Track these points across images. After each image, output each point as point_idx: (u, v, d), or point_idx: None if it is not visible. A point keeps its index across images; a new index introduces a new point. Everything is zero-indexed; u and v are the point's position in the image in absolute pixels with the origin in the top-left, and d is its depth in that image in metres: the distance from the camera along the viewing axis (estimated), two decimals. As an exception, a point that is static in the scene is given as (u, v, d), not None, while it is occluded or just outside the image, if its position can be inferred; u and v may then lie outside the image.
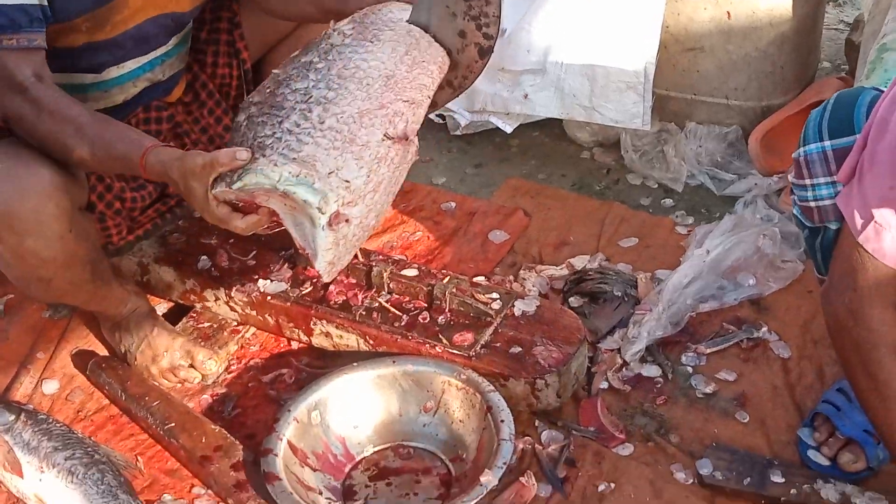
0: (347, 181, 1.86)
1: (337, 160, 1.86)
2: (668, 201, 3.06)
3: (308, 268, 2.54)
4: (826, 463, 2.16)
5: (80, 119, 2.07)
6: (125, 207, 2.44)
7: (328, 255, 1.90)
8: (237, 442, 2.25)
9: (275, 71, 2.06)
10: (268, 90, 2.01)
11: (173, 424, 2.31)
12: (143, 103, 2.46)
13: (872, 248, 1.79)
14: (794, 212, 2.03)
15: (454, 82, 2.08)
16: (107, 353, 2.57)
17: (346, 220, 1.87)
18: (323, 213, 1.85)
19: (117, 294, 2.46)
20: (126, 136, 2.08)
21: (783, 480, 2.13)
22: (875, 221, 1.76)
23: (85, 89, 2.33)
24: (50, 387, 2.51)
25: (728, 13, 3.04)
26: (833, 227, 1.95)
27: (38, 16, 2.07)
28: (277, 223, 2.00)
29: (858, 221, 1.79)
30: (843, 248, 1.86)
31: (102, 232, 2.42)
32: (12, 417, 2.30)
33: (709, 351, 2.49)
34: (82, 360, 2.54)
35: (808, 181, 1.95)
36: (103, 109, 2.34)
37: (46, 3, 2.09)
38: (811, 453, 2.18)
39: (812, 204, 1.96)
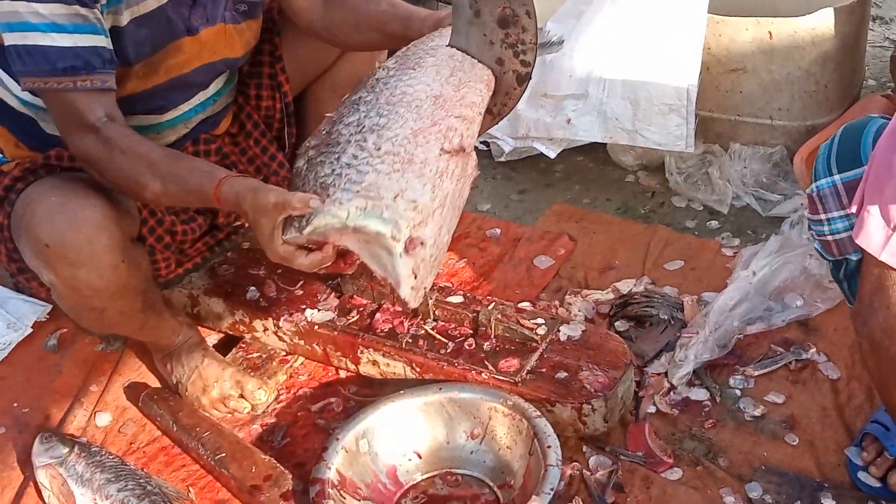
0: (414, 201, 1.86)
1: (399, 182, 1.87)
2: (714, 223, 3.05)
3: (354, 297, 2.56)
4: (877, 484, 2.14)
5: (151, 155, 2.11)
6: (175, 241, 2.47)
7: (410, 281, 1.90)
8: (286, 471, 2.27)
9: (328, 114, 2.08)
10: (323, 132, 2.03)
11: (224, 455, 2.33)
12: (192, 137, 2.50)
13: None
14: (815, 246, 2.03)
15: (493, 109, 2.10)
16: (158, 385, 2.59)
17: (422, 243, 1.87)
18: (398, 241, 1.84)
19: (169, 325, 2.50)
20: (199, 169, 2.11)
21: (834, 503, 2.12)
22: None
23: (141, 131, 2.33)
24: (103, 419, 2.54)
25: (770, 33, 3.04)
26: (854, 258, 1.95)
27: (109, 58, 2.12)
28: (338, 262, 2.01)
29: (878, 240, 1.77)
30: (869, 269, 1.84)
31: (152, 265, 2.45)
32: (66, 450, 2.34)
33: (757, 373, 2.47)
34: (134, 392, 2.57)
35: (822, 216, 1.96)
36: None
37: (112, 48, 2.13)
38: (861, 475, 2.16)
39: (829, 238, 1.97)
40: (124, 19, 2.17)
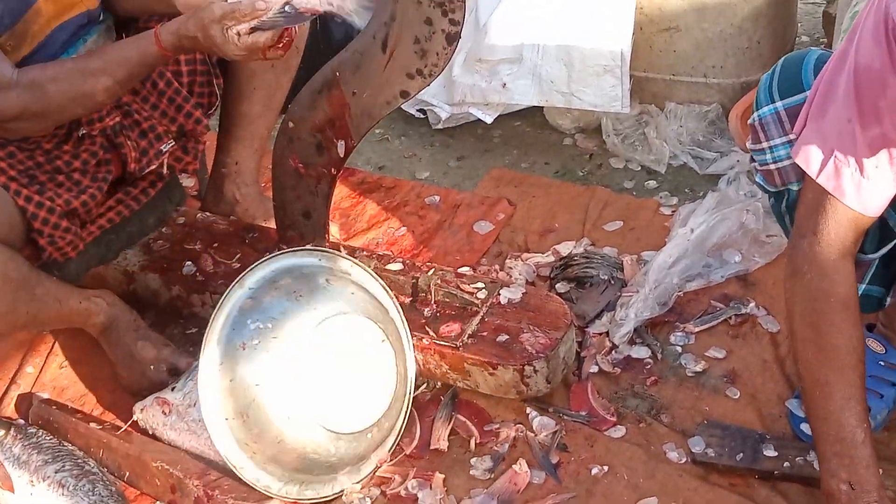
0: None
1: None
2: (652, 183, 3.06)
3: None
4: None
5: (79, 65, 2.23)
6: (76, 220, 2.38)
7: None
8: (184, 476, 2.19)
9: None
10: None
11: (127, 474, 2.28)
12: None
13: (832, 186, 1.77)
14: (757, 179, 2.03)
15: (424, 70, 2.07)
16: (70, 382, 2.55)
17: None
18: None
19: (77, 309, 2.40)
20: (128, 44, 2.25)
21: (776, 454, 2.13)
22: (835, 158, 1.75)
23: None
24: (41, 400, 2.50)
25: (701, -9, 3.04)
26: (795, 188, 1.95)
27: None
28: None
29: (816, 162, 1.77)
30: (805, 193, 1.85)
31: (57, 251, 2.35)
32: (2, 432, 2.30)
33: (697, 329, 2.49)
34: (26, 403, 2.47)
35: (765, 144, 1.95)
36: None
37: None
38: (803, 426, 2.16)
39: (772, 166, 1.96)
40: None
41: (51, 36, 2.31)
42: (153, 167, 2.50)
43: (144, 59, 2.22)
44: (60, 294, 2.37)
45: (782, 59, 1.99)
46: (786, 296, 1.93)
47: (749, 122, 1.99)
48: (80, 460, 2.25)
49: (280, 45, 2.16)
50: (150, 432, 2.28)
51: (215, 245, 2.64)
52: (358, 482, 2.20)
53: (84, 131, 2.38)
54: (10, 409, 2.47)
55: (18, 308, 2.25)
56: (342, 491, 2.18)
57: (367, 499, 2.18)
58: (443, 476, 2.20)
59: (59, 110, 2.20)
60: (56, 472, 2.21)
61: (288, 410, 2.11)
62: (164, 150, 2.50)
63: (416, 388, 2.37)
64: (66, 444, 2.32)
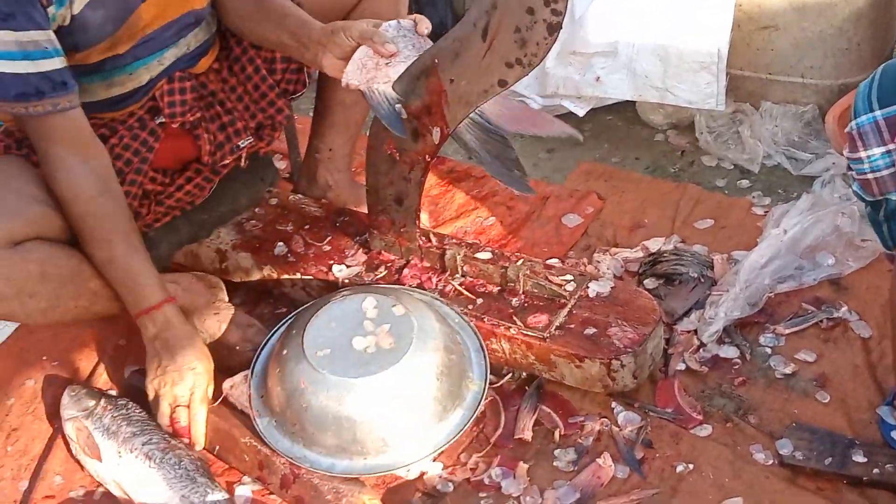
0: None
1: None
2: (745, 182, 3.03)
3: (382, 252, 2.55)
4: (910, 443, 2.12)
5: (113, 222, 2.27)
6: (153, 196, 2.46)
7: None
8: (271, 454, 2.23)
9: None
10: None
11: (217, 447, 2.33)
12: (167, 75, 2.43)
13: None
14: (854, 188, 2.00)
15: (523, 60, 2.07)
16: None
17: None
18: None
19: (148, 293, 2.38)
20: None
21: (865, 460, 2.10)
22: None
23: (111, 73, 2.34)
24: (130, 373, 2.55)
25: (802, -10, 3.00)
26: (894, 197, 1.92)
27: (61, 80, 2.14)
28: None
29: None
30: None
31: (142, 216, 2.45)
32: (93, 403, 2.35)
33: (787, 331, 2.46)
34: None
35: (862, 153, 1.92)
36: (130, 91, 2.37)
37: (68, 65, 2.16)
38: (894, 433, 2.14)
39: (870, 176, 1.92)
40: (77, 7, 2.16)
41: (152, 35, 2.33)
42: (227, 161, 2.53)
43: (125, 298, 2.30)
44: (131, 278, 2.37)
45: (882, 66, 1.95)
46: (892, 310, 1.92)
47: (846, 130, 1.96)
48: (167, 434, 2.29)
49: None
50: (239, 408, 2.31)
51: (307, 227, 2.67)
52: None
53: (163, 121, 2.42)
54: (101, 381, 2.52)
55: (64, 303, 2.29)
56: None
57: (451, 483, 2.19)
58: (527, 465, 2.20)
59: (74, 224, 2.25)
60: (144, 445, 2.25)
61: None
62: (242, 145, 2.54)
63: (502, 377, 2.38)
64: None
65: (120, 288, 2.28)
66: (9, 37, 2.06)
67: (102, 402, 2.35)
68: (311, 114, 2.84)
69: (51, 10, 2.11)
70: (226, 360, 2.47)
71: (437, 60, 2.19)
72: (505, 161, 2.30)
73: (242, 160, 2.58)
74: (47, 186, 2.23)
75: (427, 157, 2.34)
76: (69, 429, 2.32)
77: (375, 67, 2.23)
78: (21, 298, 2.21)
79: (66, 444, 2.35)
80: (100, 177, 2.23)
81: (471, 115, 2.24)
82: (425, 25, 2.25)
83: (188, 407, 2.28)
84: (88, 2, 2.18)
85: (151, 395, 2.31)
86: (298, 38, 2.33)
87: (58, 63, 2.13)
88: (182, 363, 2.28)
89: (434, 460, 2.23)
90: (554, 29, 2.01)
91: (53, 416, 2.43)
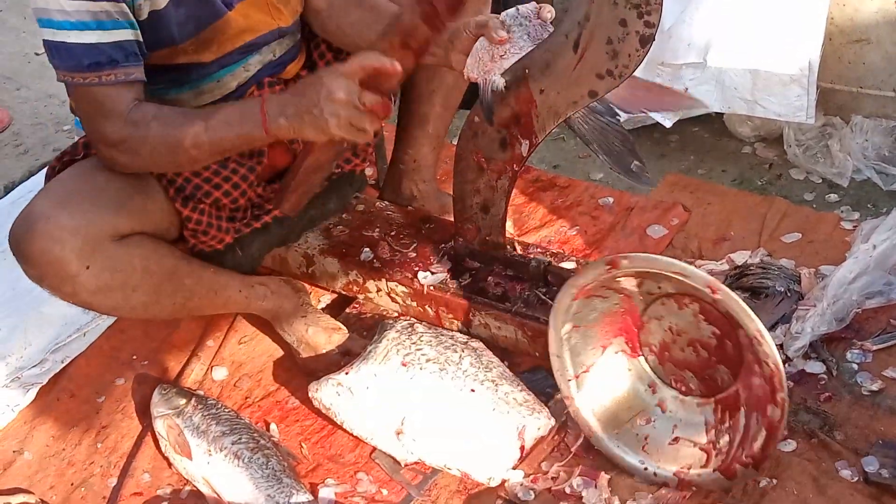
0: None
1: None
2: (833, 196, 3.00)
3: (466, 259, 2.56)
4: None
5: (184, 111, 2.22)
6: (221, 219, 2.45)
7: None
8: None
9: None
10: None
11: None
12: (256, 81, 2.45)
13: None
14: None
15: (614, 72, 2.07)
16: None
17: None
18: None
19: (235, 298, 2.50)
20: (237, 104, 2.20)
21: (955, 480, 2.08)
22: None
23: (198, 83, 2.37)
24: (219, 374, 2.60)
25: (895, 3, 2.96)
26: None
27: (133, 51, 2.16)
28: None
29: None
30: None
31: (202, 245, 2.44)
32: (183, 402, 2.40)
33: (875, 348, 2.43)
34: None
35: None
36: (219, 99, 2.39)
37: (141, 39, 2.18)
38: (982, 453, 2.11)
39: None
40: (161, 2, 2.19)
41: (239, 48, 2.36)
42: None
43: (242, 122, 2.14)
44: (218, 284, 2.46)
45: None
46: None
47: None
48: (255, 434, 2.33)
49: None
50: (325, 412, 2.34)
51: (393, 233, 2.70)
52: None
53: None
54: (190, 381, 2.57)
55: (162, 299, 2.35)
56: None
57: (532, 492, 2.20)
58: (608, 476, 2.20)
59: (151, 152, 2.20)
60: (233, 444, 2.30)
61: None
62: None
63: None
64: (243, 417, 2.40)
65: (233, 132, 2.16)
66: (82, 7, 2.09)
67: (193, 401, 2.41)
68: (396, 121, 2.87)
69: None
70: (311, 364, 2.51)
71: (527, 70, 2.21)
72: (623, 153, 2.27)
73: (334, 167, 2.61)
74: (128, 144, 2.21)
75: (515, 166, 2.36)
76: (160, 426, 2.37)
77: (491, 59, 2.20)
78: (125, 291, 2.27)
79: (156, 442, 2.41)
80: None
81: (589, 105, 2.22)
82: (548, 10, 2.20)
83: (360, 89, 2.04)
84: None
85: (326, 126, 2.05)
86: None
87: (130, 35, 2.15)
88: (313, 80, 2.10)
89: (515, 468, 2.25)
90: (647, 41, 2.02)
91: (143, 414, 2.49)
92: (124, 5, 2.14)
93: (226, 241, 2.45)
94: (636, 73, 3.04)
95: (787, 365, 2.39)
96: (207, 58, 2.33)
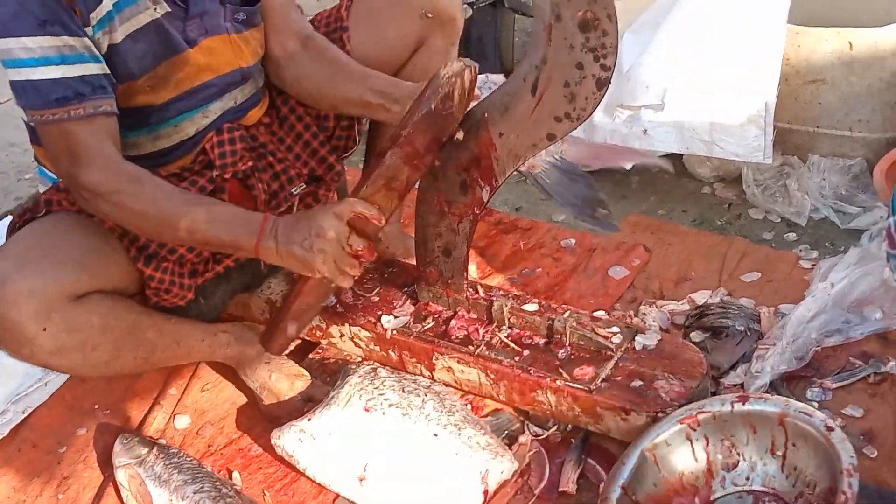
0: None
1: None
2: (792, 235, 3.03)
3: (429, 303, 2.57)
4: (960, 499, 2.11)
5: (187, 194, 2.26)
6: (183, 277, 2.43)
7: None
8: None
9: None
10: None
11: None
12: (216, 127, 2.45)
13: None
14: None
15: (572, 114, 2.10)
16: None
17: None
18: None
19: (198, 347, 2.50)
20: (239, 213, 2.23)
21: (914, 516, 2.09)
22: None
23: (157, 127, 2.37)
24: (182, 422, 2.58)
25: (850, 44, 3.01)
26: None
27: (100, 84, 2.16)
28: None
29: None
30: None
31: (163, 302, 2.42)
32: (145, 451, 2.38)
33: (835, 386, 2.45)
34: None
35: None
36: (177, 144, 2.39)
37: (108, 72, 2.18)
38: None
39: None
40: (119, 36, 2.20)
41: (199, 88, 2.37)
42: (282, 209, 2.55)
43: (237, 235, 2.19)
44: (180, 335, 2.45)
45: None
46: None
47: (886, 223, 1.93)
48: (218, 482, 2.32)
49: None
50: (287, 459, 2.33)
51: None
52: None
53: (216, 173, 2.43)
54: (152, 429, 2.55)
55: (123, 355, 2.34)
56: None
57: (496, 536, 2.20)
58: (572, 519, 2.21)
59: (141, 214, 2.18)
60: (195, 493, 2.28)
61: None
62: (295, 192, 2.56)
63: (547, 429, 2.39)
64: (205, 465, 2.39)
65: (228, 232, 2.19)
66: (46, 42, 2.10)
67: (154, 450, 2.39)
68: (361, 166, 2.88)
69: (88, 30, 2.15)
70: (274, 410, 2.50)
71: (486, 114, 2.23)
72: (589, 201, 2.31)
73: (294, 208, 2.61)
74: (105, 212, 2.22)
75: (476, 209, 2.37)
76: (121, 476, 2.35)
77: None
78: (84, 351, 2.25)
79: (117, 492, 2.38)
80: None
81: (548, 160, 2.26)
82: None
83: (349, 229, 2.15)
84: (130, 32, 2.22)
85: (311, 261, 2.14)
86: (387, 95, 2.35)
87: (96, 69, 2.16)
88: (308, 214, 2.19)
89: (480, 511, 2.25)
90: (603, 84, 2.05)
91: (105, 464, 2.46)
92: (87, 39, 2.14)
93: (188, 298, 2.44)
94: (596, 115, 3.10)
95: (748, 404, 2.40)
96: (164, 96, 2.32)
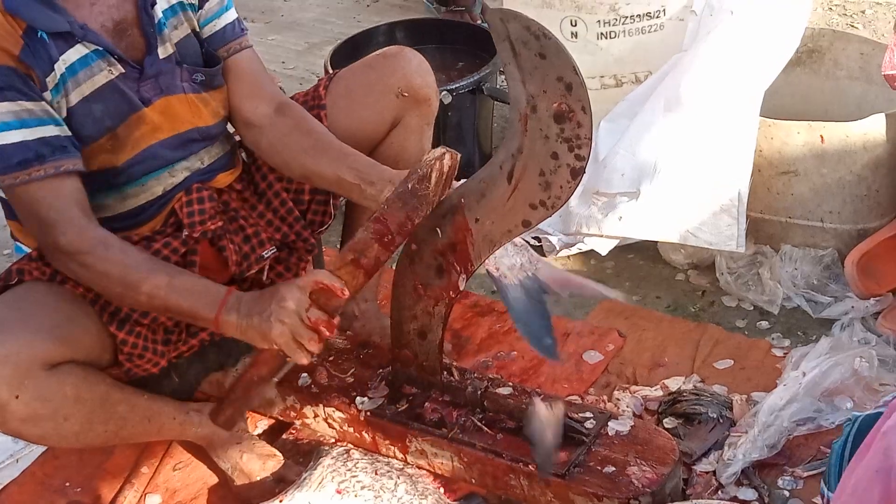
0: None
1: None
2: (764, 324, 3.06)
3: (404, 385, 2.57)
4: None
5: (150, 259, 2.27)
6: (157, 343, 2.44)
7: None
8: None
9: None
10: None
11: None
12: (184, 187, 2.47)
13: None
14: None
15: (547, 202, 2.13)
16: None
17: None
18: None
19: (169, 425, 2.50)
20: (200, 283, 2.26)
21: None
22: None
23: (123, 188, 2.39)
24: (153, 501, 2.57)
25: (821, 137, 3.06)
26: None
27: (60, 144, 2.21)
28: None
29: None
30: None
31: (137, 368, 2.41)
32: (117, 531, 2.37)
33: (806, 474, 2.46)
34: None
35: None
36: (144, 204, 2.42)
37: (69, 133, 2.23)
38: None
39: None
40: (73, 99, 2.25)
41: (155, 147, 2.39)
42: (253, 272, 2.56)
43: (197, 304, 2.22)
44: (152, 411, 2.45)
45: (861, 416, 1.90)
46: None
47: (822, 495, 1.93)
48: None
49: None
50: (259, 537, 2.33)
51: (331, 359, 2.70)
52: None
53: (186, 233, 2.44)
54: (122, 509, 2.54)
55: (95, 427, 2.33)
56: None
57: None
58: None
59: (106, 275, 2.22)
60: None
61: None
62: (266, 255, 2.56)
63: (520, 513, 2.40)
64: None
65: (187, 300, 2.22)
66: (3, 108, 2.15)
67: (127, 530, 2.38)
68: (339, 246, 2.90)
69: (46, 94, 2.20)
70: (246, 491, 2.49)
71: (463, 200, 2.26)
72: (539, 326, 2.34)
73: (265, 274, 2.60)
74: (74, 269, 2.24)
75: (451, 293, 2.39)
76: (90, 555, 2.34)
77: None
78: (56, 420, 2.25)
79: (88, 571, 2.37)
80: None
81: (520, 276, 2.31)
82: None
83: (310, 302, 2.16)
84: (86, 95, 2.26)
85: (268, 330, 2.16)
86: (363, 176, 2.37)
87: (55, 130, 2.20)
88: (273, 288, 2.21)
89: None
90: (577, 173, 2.08)
91: (75, 542, 2.45)
92: (44, 103, 2.19)
93: (161, 365, 2.44)
94: (572, 201, 3.14)
95: (720, 491, 2.42)
96: (123, 157, 2.35)
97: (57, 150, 2.20)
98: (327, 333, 2.17)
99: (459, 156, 2.23)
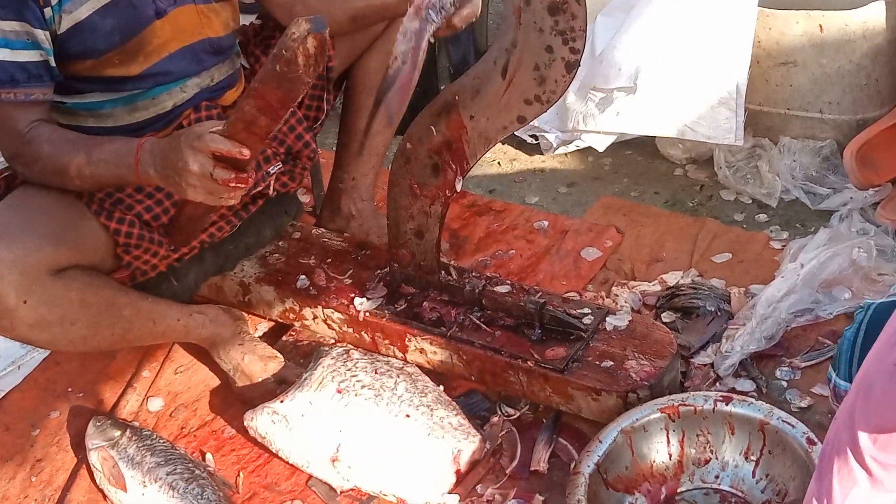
0: None
1: None
2: (763, 217, 3.05)
3: (402, 285, 2.57)
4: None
5: (75, 139, 2.25)
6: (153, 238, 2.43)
7: None
8: None
9: None
10: None
11: None
12: (193, 104, 2.47)
13: None
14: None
15: (542, 97, 2.11)
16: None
17: None
18: None
19: (174, 327, 2.49)
20: (118, 143, 2.21)
21: (880, 494, 2.11)
22: None
23: (134, 99, 2.38)
24: (155, 404, 2.59)
25: (820, 26, 3.03)
26: None
27: (37, 72, 2.20)
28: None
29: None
30: None
31: (143, 253, 2.41)
32: (118, 433, 2.39)
33: (804, 365, 2.47)
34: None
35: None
36: (152, 118, 2.41)
37: (52, 62, 2.21)
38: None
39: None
40: (84, 13, 2.22)
41: (169, 59, 2.37)
42: (260, 189, 2.55)
43: (117, 171, 2.19)
44: (156, 313, 2.45)
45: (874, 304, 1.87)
46: None
47: (829, 379, 1.93)
48: (191, 464, 2.33)
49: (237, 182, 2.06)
50: (260, 440, 2.34)
51: (329, 261, 2.71)
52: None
53: None
54: (125, 412, 2.55)
55: (102, 331, 2.34)
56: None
57: (467, 515, 2.22)
58: (542, 498, 2.22)
59: (42, 171, 2.25)
60: (168, 475, 2.29)
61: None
62: (272, 171, 2.55)
63: (519, 409, 2.41)
64: (178, 447, 2.40)
65: (109, 170, 2.19)
66: None
67: (127, 432, 2.40)
68: (335, 147, 2.88)
69: (48, 10, 2.17)
70: (247, 392, 2.51)
71: (457, 97, 2.24)
72: None
73: (271, 188, 2.60)
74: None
75: (447, 192, 2.38)
76: (94, 458, 2.36)
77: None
78: (63, 325, 2.26)
79: (91, 474, 2.39)
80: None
81: None
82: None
83: (214, 163, 2.05)
84: (97, 8, 2.23)
85: (185, 193, 2.10)
86: None
87: (37, 56, 2.19)
88: (172, 144, 2.09)
89: (450, 492, 2.26)
90: (572, 67, 2.06)
91: (78, 447, 2.47)
92: (36, 30, 2.17)
93: (161, 254, 2.43)
94: (568, 97, 3.12)
95: (717, 383, 2.43)
96: (134, 70, 2.33)
97: (33, 78, 2.20)
98: (245, 184, 2.08)
99: (327, 32, 1.93)
